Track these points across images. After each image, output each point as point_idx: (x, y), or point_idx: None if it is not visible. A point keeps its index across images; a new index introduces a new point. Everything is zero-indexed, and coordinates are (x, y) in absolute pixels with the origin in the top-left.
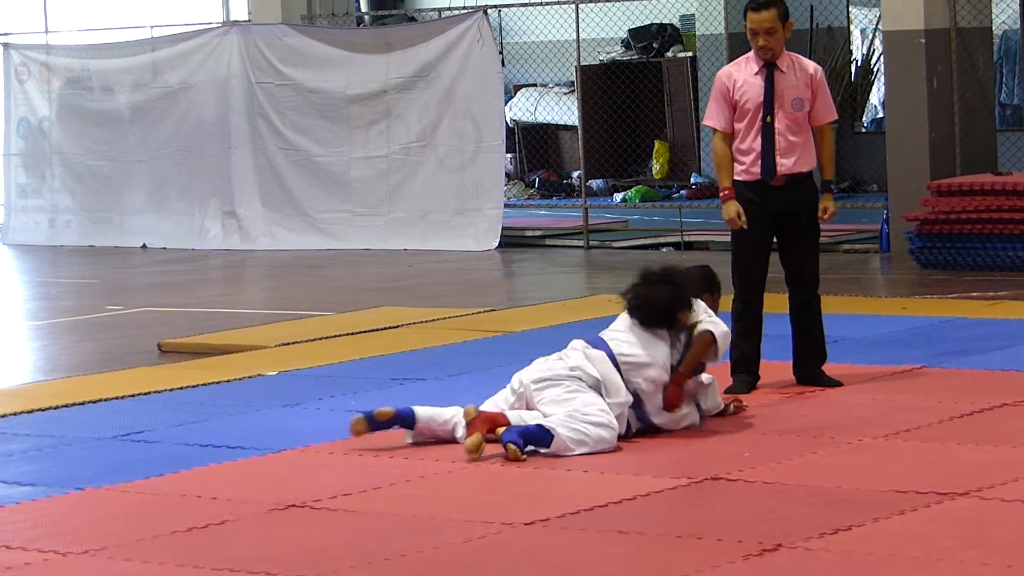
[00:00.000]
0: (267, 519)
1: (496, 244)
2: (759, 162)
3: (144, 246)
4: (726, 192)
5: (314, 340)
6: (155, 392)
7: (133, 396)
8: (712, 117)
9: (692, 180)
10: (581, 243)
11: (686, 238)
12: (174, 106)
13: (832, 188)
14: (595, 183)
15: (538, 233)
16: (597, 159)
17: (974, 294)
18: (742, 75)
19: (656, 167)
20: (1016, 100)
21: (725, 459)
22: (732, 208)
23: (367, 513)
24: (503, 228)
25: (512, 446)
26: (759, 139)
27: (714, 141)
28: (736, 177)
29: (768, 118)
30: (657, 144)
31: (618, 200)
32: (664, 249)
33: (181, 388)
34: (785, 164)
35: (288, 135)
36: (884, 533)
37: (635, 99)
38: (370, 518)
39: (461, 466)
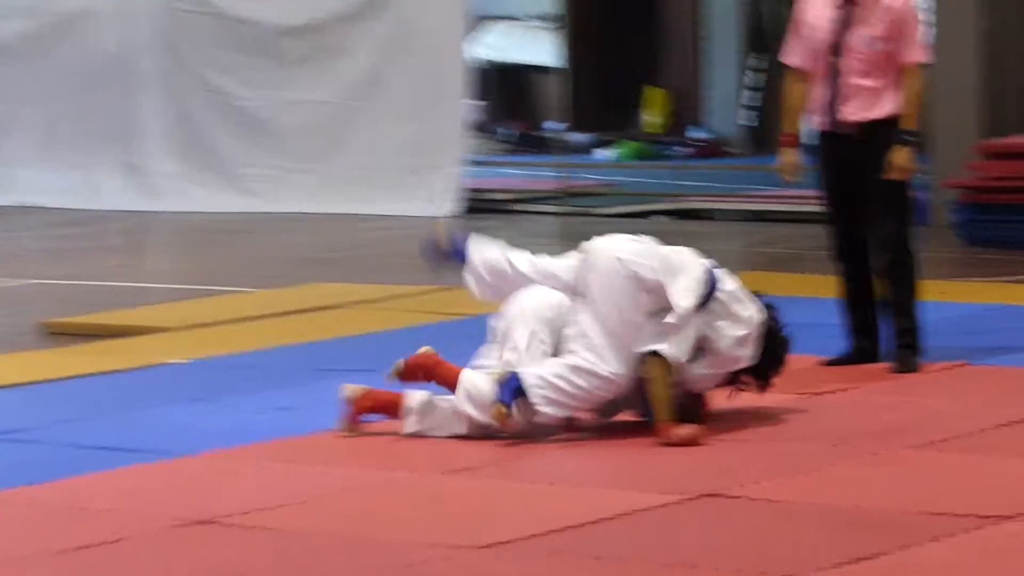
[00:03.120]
0: (169, 537)
1: (456, 209)
2: (822, 109)
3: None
4: (784, 138)
5: (232, 322)
6: (39, 382)
7: (12, 387)
8: (786, 52)
9: (692, 135)
10: (559, 209)
11: (684, 205)
12: (68, 36)
13: (905, 139)
14: (577, 137)
15: (507, 196)
16: (579, 108)
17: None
18: (816, 7)
19: (650, 119)
20: None
21: (724, 472)
22: (782, 157)
23: (288, 532)
24: (465, 190)
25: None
26: (823, 82)
27: (785, 78)
28: (811, 124)
29: (835, 59)
30: (650, 91)
31: (604, 158)
32: (658, 218)
33: (71, 377)
34: (848, 112)
35: (206, 74)
36: (914, 563)
37: (626, 36)
38: (292, 538)
39: (403, 476)
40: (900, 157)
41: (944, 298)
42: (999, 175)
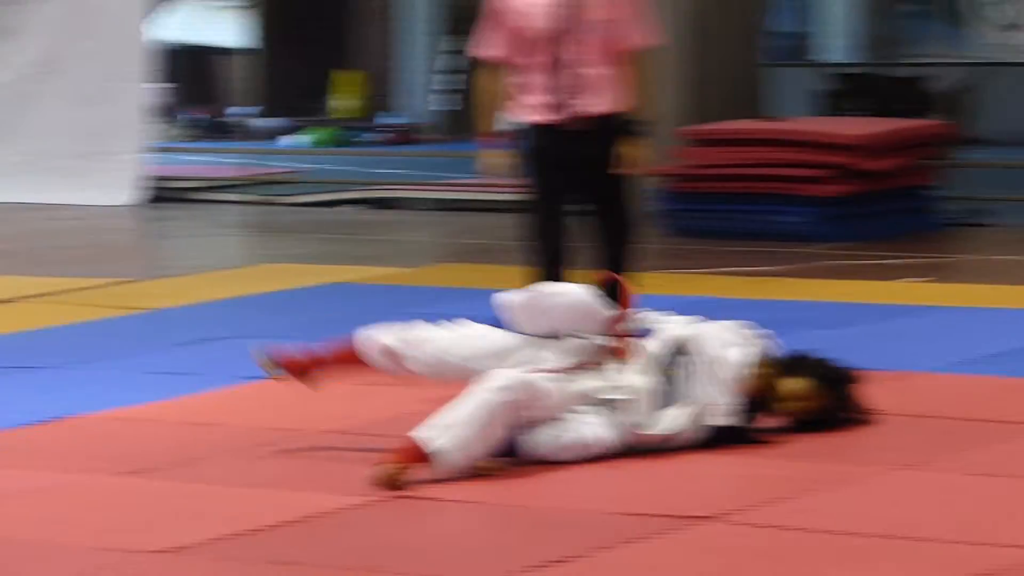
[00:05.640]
0: None
1: (134, 198)
2: (545, 102)
3: None
4: (484, 138)
5: None
6: None
7: None
8: (481, 44)
9: (385, 120)
10: (244, 198)
11: (377, 194)
12: None
13: (634, 130)
14: (264, 123)
15: (188, 185)
16: (266, 92)
17: (733, 269)
18: None
19: (340, 104)
20: (792, 26)
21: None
22: (485, 159)
23: None
24: (143, 178)
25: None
26: (544, 73)
27: (481, 74)
28: (524, 118)
29: (559, 48)
30: (339, 75)
31: (291, 145)
32: (349, 207)
33: None
34: (580, 104)
35: None
36: (608, 566)
37: (314, 16)
38: None
39: (75, 477)
40: (637, 150)
41: (642, 291)
42: (705, 163)
